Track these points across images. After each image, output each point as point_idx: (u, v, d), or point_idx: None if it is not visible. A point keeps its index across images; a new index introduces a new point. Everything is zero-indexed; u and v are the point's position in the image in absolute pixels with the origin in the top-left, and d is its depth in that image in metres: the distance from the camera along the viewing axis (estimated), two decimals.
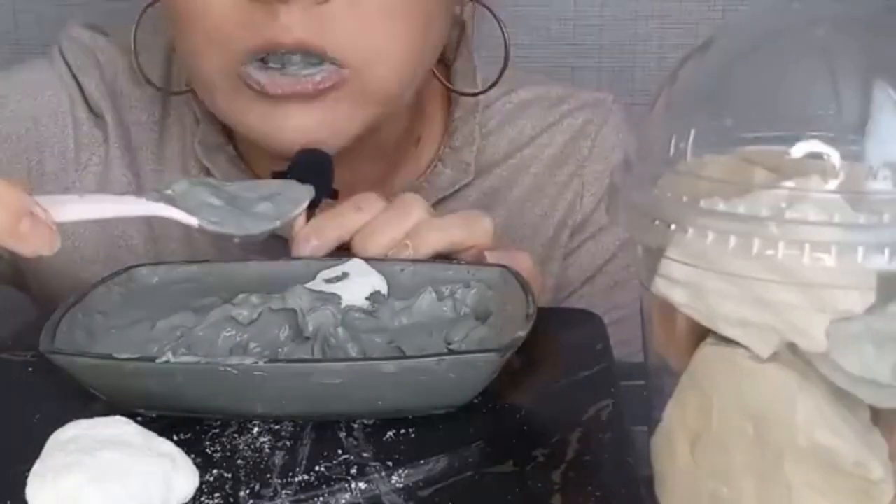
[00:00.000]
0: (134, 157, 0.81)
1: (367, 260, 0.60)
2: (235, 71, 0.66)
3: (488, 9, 0.77)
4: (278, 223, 0.56)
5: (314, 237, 0.61)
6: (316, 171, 0.66)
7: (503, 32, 0.77)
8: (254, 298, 0.58)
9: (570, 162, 0.83)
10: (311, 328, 0.56)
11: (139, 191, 0.80)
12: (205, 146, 0.79)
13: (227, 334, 0.57)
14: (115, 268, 0.62)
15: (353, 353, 0.55)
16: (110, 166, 0.80)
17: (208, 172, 0.79)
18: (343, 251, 0.62)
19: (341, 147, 0.69)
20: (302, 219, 0.63)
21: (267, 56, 0.65)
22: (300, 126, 0.67)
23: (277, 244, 0.76)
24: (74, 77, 0.81)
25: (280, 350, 0.57)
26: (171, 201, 0.56)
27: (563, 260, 0.83)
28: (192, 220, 0.55)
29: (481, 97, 0.80)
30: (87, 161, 0.80)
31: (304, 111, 0.67)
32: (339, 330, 0.56)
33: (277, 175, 0.67)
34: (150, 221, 0.79)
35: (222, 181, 0.60)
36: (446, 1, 0.72)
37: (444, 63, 0.82)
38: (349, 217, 0.62)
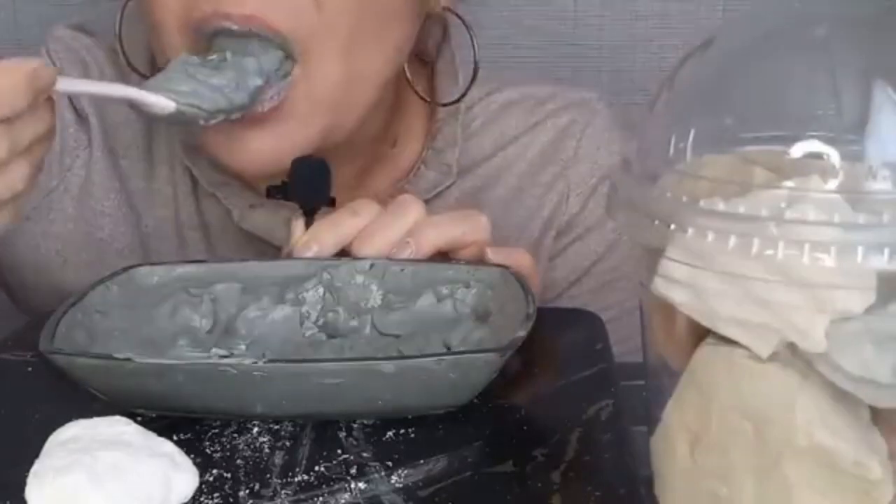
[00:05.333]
0: (121, 157, 0.80)
1: (371, 258, 0.61)
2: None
3: (457, 15, 0.77)
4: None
5: (314, 244, 0.61)
6: (315, 181, 0.67)
7: (472, 38, 0.77)
8: (265, 299, 0.59)
9: (554, 162, 0.83)
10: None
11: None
12: (186, 146, 0.79)
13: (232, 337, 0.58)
14: (100, 271, 0.62)
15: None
16: (93, 169, 0.79)
17: (191, 173, 0.79)
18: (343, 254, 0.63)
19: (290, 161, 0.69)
20: (301, 226, 0.63)
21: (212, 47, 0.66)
22: (257, 149, 0.68)
23: (268, 249, 0.76)
24: None
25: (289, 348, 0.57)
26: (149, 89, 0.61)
27: (548, 261, 0.83)
28: (168, 104, 0.60)
29: (464, 98, 0.80)
30: (70, 164, 0.79)
31: (255, 136, 0.68)
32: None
33: (274, 188, 0.67)
34: (137, 223, 0.79)
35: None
36: (410, 4, 0.72)
37: (428, 63, 0.82)
38: (347, 222, 0.62)
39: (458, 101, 0.79)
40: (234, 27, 0.65)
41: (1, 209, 0.53)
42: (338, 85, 0.69)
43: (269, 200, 0.75)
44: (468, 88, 0.78)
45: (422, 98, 0.79)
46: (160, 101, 0.60)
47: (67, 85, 0.54)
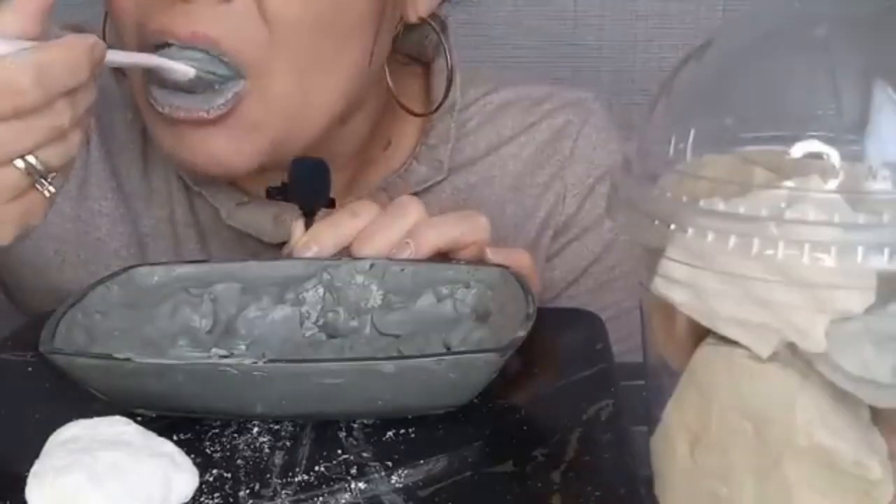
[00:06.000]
0: (118, 156, 0.80)
1: (371, 258, 0.61)
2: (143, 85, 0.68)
3: (431, 25, 0.77)
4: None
5: (314, 244, 0.61)
6: (314, 181, 0.67)
7: (445, 48, 0.77)
8: (265, 299, 0.59)
9: (551, 163, 0.82)
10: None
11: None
12: None
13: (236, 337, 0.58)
14: (97, 271, 0.62)
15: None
16: (91, 170, 0.79)
17: (185, 183, 0.79)
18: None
19: (251, 167, 0.69)
20: (301, 227, 0.64)
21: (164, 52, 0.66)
22: (205, 150, 0.69)
23: (259, 246, 0.76)
24: None
25: (287, 348, 0.57)
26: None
27: (546, 262, 0.83)
28: (188, 69, 0.65)
29: (459, 97, 0.80)
30: None
31: (206, 137, 0.68)
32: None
33: (274, 189, 0.67)
34: (135, 222, 0.80)
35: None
36: (375, 17, 0.71)
37: (426, 63, 0.82)
38: (346, 223, 0.62)
39: (436, 110, 0.79)
40: (179, 45, 0.65)
41: (59, 174, 0.55)
42: (289, 100, 0.69)
43: (256, 198, 0.75)
44: (445, 97, 0.78)
45: (402, 107, 0.78)
46: (182, 68, 0.64)
47: (112, 56, 0.58)
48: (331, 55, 0.69)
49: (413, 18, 0.75)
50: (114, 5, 0.69)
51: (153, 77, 0.67)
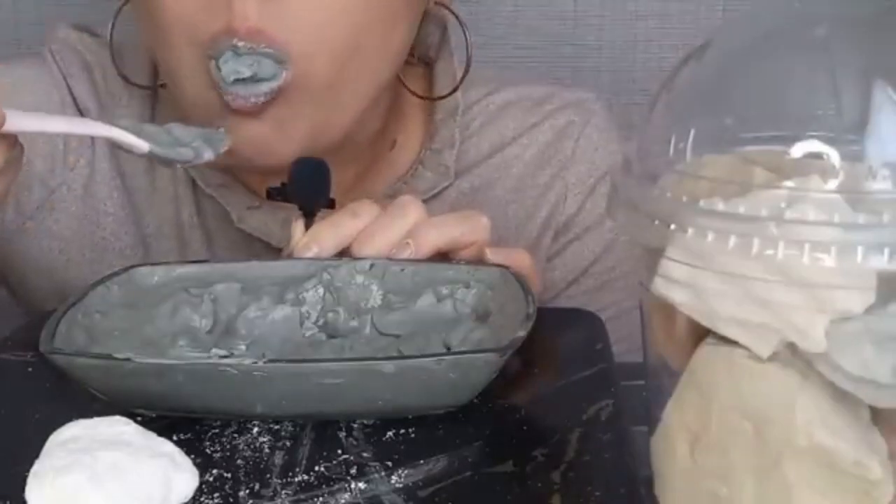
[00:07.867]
0: (123, 155, 0.80)
1: (371, 258, 0.61)
2: (204, 70, 0.67)
3: (450, 10, 0.77)
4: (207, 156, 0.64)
5: (314, 245, 0.61)
6: (314, 182, 0.67)
7: (465, 34, 0.78)
8: (265, 299, 0.59)
9: (552, 163, 0.83)
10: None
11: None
12: None
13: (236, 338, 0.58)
14: (102, 270, 0.62)
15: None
16: (96, 168, 0.79)
17: (193, 183, 0.79)
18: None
19: (295, 155, 0.69)
20: (301, 227, 0.64)
21: (222, 53, 0.66)
22: (251, 140, 0.68)
23: (266, 250, 0.76)
24: (65, 79, 0.80)
25: (288, 349, 0.57)
26: (125, 129, 0.61)
27: (546, 262, 0.83)
28: (143, 145, 0.61)
29: (461, 99, 0.80)
30: (74, 163, 0.79)
31: (252, 127, 0.68)
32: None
33: (274, 189, 0.67)
34: (139, 222, 0.80)
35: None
36: (412, 6, 0.72)
37: (428, 64, 0.82)
38: (347, 223, 0.62)
39: (452, 92, 0.79)
40: (240, 44, 0.65)
41: None
42: (331, 85, 0.69)
43: (268, 202, 0.75)
44: (461, 81, 0.78)
45: (413, 94, 0.78)
46: (136, 143, 0.61)
47: (18, 123, 0.54)
48: (376, 41, 0.70)
49: (430, 3, 0.76)
50: (161, 8, 0.68)
51: (213, 50, 0.66)
